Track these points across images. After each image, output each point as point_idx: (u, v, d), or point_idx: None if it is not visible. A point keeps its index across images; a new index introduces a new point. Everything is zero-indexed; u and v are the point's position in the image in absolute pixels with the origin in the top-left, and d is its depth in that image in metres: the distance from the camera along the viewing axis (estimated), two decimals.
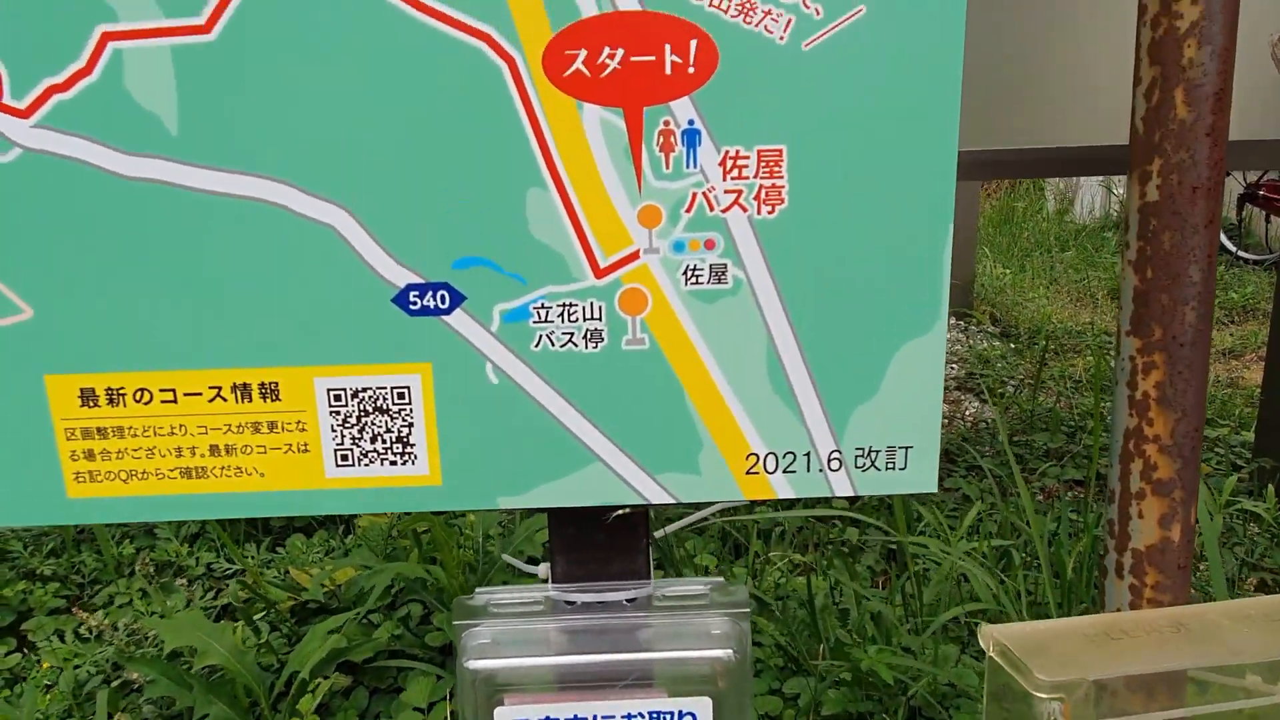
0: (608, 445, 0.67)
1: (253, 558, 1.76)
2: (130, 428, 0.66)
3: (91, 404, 0.66)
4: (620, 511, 0.71)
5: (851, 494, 0.68)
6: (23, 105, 0.60)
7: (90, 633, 1.52)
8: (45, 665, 1.43)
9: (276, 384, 0.66)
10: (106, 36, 0.59)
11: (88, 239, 0.62)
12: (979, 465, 2.23)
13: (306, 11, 0.59)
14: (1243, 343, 3.47)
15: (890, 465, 0.67)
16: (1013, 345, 3.52)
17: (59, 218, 0.62)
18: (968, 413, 2.81)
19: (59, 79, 0.60)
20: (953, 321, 3.78)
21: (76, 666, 1.42)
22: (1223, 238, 4.67)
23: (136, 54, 0.59)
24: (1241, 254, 4.71)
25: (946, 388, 3.02)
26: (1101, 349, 3.34)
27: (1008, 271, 4.71)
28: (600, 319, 0.64)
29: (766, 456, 0.67)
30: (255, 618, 1.47)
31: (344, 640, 1.31)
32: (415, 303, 0.64)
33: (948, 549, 1.62)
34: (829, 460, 0.67)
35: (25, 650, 1.52)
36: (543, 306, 0.64)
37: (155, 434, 0.66)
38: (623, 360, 0.65)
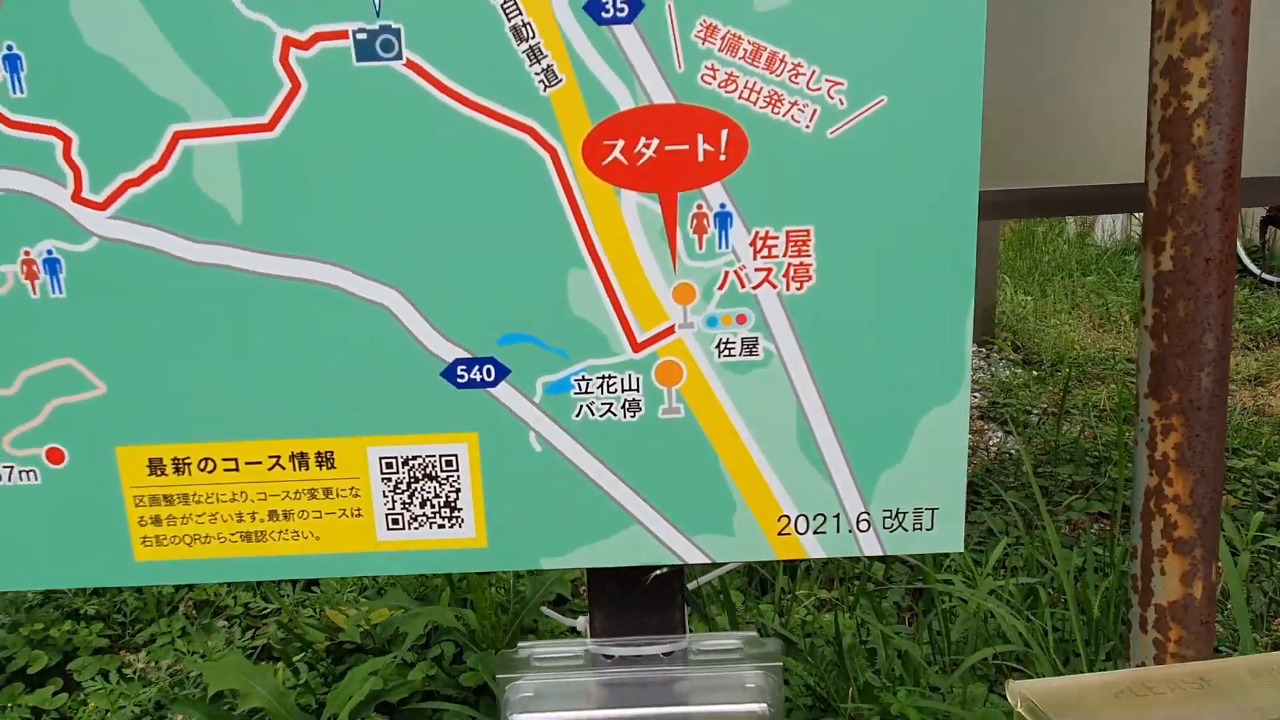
0: (645, 508, 0.70)
1: (288, 596, 1.80)
2: (195, 494, 0.70)
3: (159, 473, 0.70)
4: (659, 572, 0.74)
5: (880, 554, 0.71)
6: (100, 198, 0.65)
7: (133, 673, 1.56)
8: (91, 705, 1.47)
9: (332, 453, 0.69)
10: (178, 135, 0.63)
11: (158, 320, 0.67)
12: (1003, 498, 2.24)
13: (362, 109, 0.63)
14: (1268, 368, 3.45)
15: (917, 526, 0.70)
16: (1035, 373, 3.52)
17: (132, 301, 0.66)
18: (991, 443, 2.81)
19: (134, 174, 0.64)
20: (974, 349, 3.78)
21: (121, 707, 1.46)
22: (1247, 261, 4.64)
23: (206, 150, 0.64)
24: (1266, 277, 4.69)
25: (969, 416, 3.02)
26: (1125, 376, 3.34)
27: (1029, 298, 4.71)
28: (638, 390, 0.68)
29: (797, 518, 0.70)
30: (294, 659, 1.51)
31: (381, 682, 1.34)
32: (463, 376, 0.67)
33: (972, 585, 1.63)
34: (858, 521, 0.70)
35: (71, 690, 1.57)
36: (583, 379, 0.67)
37: (218, 500, 0.70)
38: (659, 428, 0.68)
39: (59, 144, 0.63)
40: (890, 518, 0.70)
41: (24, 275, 0.66)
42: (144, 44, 0.62)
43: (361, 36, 0.62)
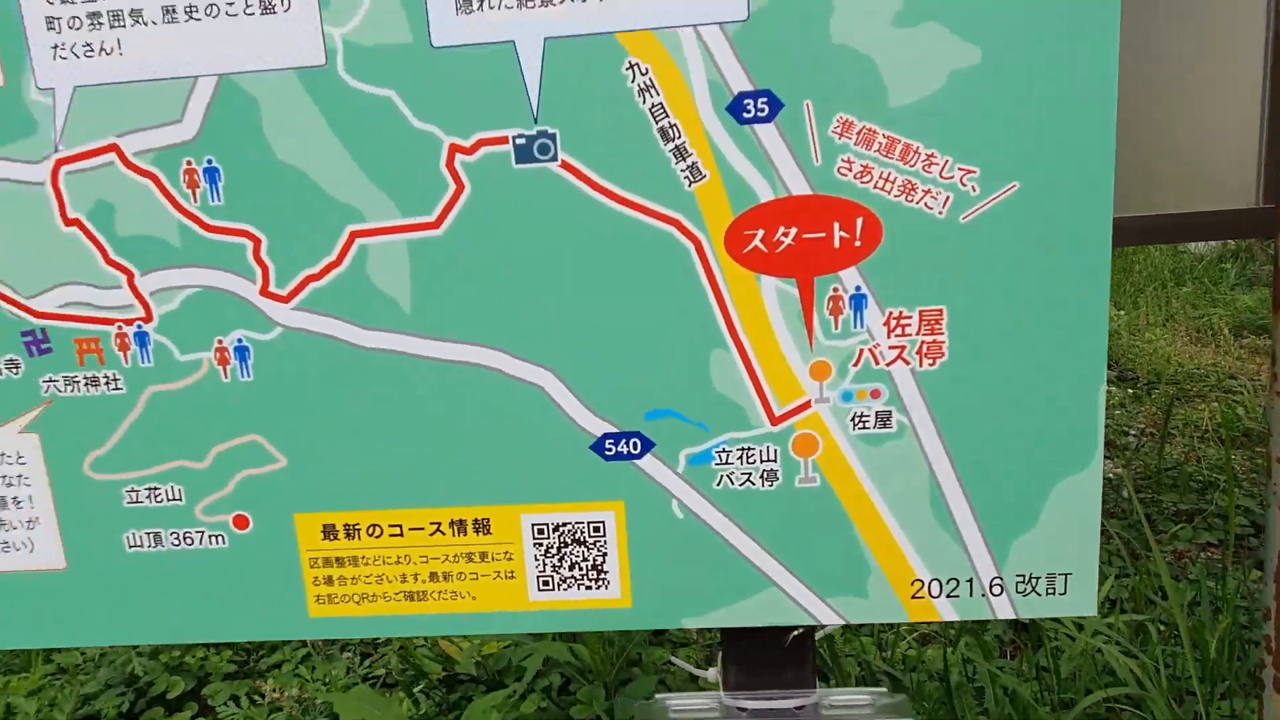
0: (782, 572, 0.73)
1: None
2: (363, 557, 0.76)
3: (332, 538, 0.76)
4: (796, 632, 0.77)
5: (1013, 617, 0.73)
6: (284, 292, 0.71)
7: (261, 698, 1.65)
8: None
9: (488, 520, 0.75)
10: (355, 234, 0.70)
11: (333, 399, 0.73)
12: (1105, 526, 2.19)
13: (520, 207, 0.68)
14: None
15: (1050, 590, 0.72)
16: (1130, 391, 3.43)
17: (311, 383, 0.73)
18: None
19: (315, 270, 0.71)
20: None
21: None
22: None
23: (379, 247, 0.70)
24: None
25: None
26: (1227, 394, 3.23)
27: (1121, 311, 4.58)
28: (776, 461, 0.71)
29: (931, 582, 0.73)
30: (414, 690, 1.58)
31: (497, 714, 1.39)
32: (611, 449, 0.72)
33: (1081, 622, 1.61)
34: (991, 586, 0.72)
35: (205, 714, 1.67)
36: (724, 450, 0.71)
37: (384, 563, 0.76)
38: (796, 497, 0.72)
39: (250, 245, 0.70)
40: (1023, 582, 0.72)
41: (217, 361, 0.73)
42: (327, 155, 0.68)
43: (520, 141, 0.67)
